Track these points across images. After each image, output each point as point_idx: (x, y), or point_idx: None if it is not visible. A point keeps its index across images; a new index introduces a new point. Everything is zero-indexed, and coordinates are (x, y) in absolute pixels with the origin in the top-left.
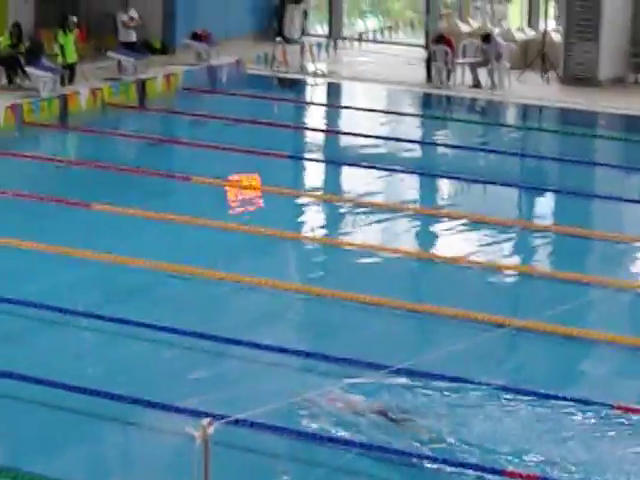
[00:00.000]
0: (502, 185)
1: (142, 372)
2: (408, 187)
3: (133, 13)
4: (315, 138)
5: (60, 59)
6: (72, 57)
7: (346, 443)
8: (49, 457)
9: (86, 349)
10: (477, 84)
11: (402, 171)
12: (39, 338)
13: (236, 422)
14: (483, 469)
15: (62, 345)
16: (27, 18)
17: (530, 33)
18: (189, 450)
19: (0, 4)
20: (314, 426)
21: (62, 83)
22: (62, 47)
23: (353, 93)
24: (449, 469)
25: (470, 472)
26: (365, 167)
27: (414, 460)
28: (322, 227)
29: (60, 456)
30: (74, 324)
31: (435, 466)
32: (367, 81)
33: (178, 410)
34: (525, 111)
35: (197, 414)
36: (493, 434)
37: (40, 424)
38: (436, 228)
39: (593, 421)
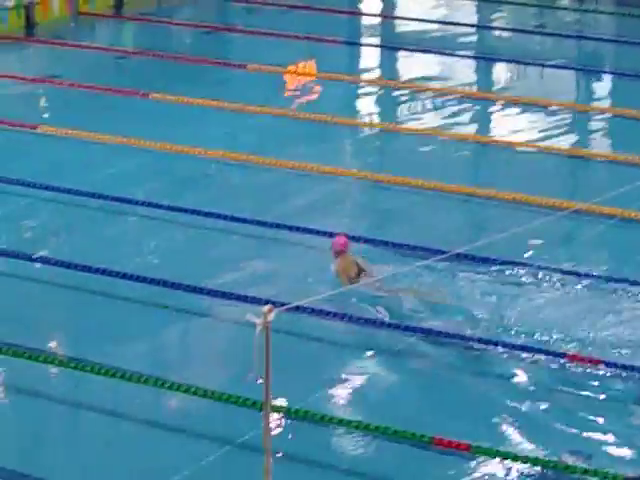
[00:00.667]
0: (559, 68)
1: (200, 260)
2: (464, 71)
3: None
4: (371, 23)
5: None
6: None
7: (406, 328)
8: (111, 347)
9: (145, 238)
10: None
11: (458, 55)
12: (99, 228)
13: (296, 309)
14: (539, 350)
15: (122, 235)
16: None
17: None
18: (250, 337)
19: None
20: (370, 312)
21: None
22: None
23: None
24: (503, 351)
25: (525, 354)
26: (421, 51)
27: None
28: (379, 113)
29: (122, 346)
30: (133, 213)
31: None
32: None
33: (237, 297)
34: None
35: (256, 301)
36: (548, 316)
37: (102, 314)
38: (493, 112)
39: None
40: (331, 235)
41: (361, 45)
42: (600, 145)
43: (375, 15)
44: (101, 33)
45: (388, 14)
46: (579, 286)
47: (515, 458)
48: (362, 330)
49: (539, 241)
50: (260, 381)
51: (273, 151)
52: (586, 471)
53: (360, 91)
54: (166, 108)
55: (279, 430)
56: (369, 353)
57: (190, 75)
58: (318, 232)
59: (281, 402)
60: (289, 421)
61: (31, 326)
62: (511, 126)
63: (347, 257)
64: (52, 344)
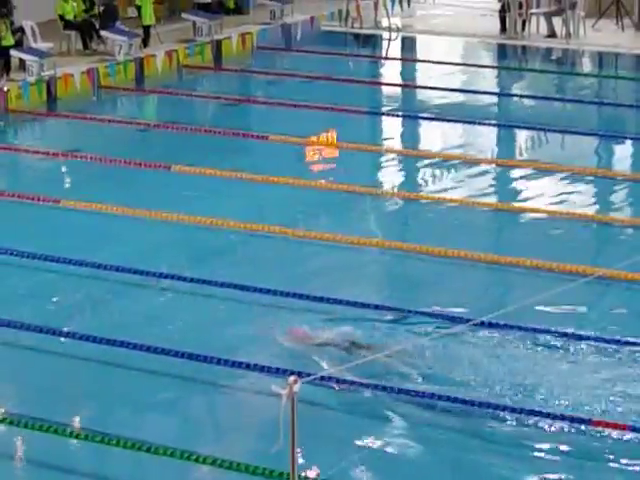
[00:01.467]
0: (579, 134)
1: (223, 332)
2: (485, 138)
3: None
4: (391, 92)
5: (137, 21)
6: (148, 19)
7: (431, 396)
8: (136, 420)
9: (169, 311)
10: (552, 33)
11: (479, 123)
12: (123, 301)
13: (322, 379)
14: (564, 417)
15: (146, 307)
16: None
17: None
18: (275, 408)
19: None
20: (396, 380)
21: (145, 44)
22: (139, 9)
23: (428, 46)
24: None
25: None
26: (441, 120)
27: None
28: (400, 182)
29: (147, 418)
30: (156, 286)
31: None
32: (441, 34)
33: (262, 369)
34: (600, 59)
35: (282, 372)
36: (573, 383)
37: (127, 387)
38: (514, 178)
39: None
40: (355, 304)
41: (382, 114)
42: (622, 210)
43: (396, 85)
44: (123, 106)
45: (409, 83)
46: (603, 352)
47: None
48: (386, 398)
49: (563, 307)
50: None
51: (296, 222)
52: None
53: (382, 160)
54: (188, 180)
55: None
56: (395, 421)
57: (212, 147)
58: (341, 302)
59: (308, 473)
60: None
61: (56, 399)
62: (533, 193)
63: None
64: (77, 417)
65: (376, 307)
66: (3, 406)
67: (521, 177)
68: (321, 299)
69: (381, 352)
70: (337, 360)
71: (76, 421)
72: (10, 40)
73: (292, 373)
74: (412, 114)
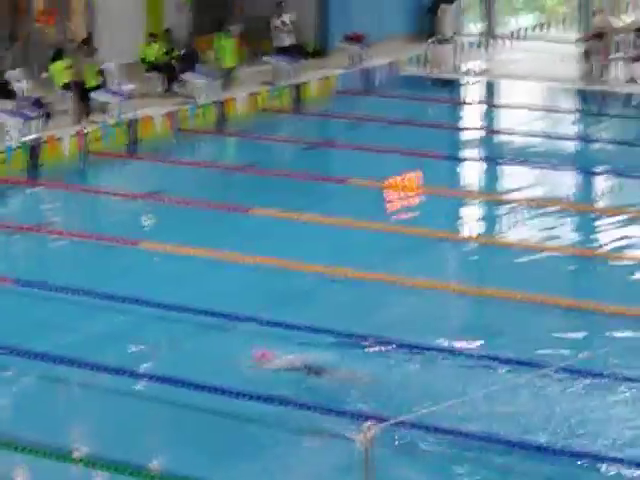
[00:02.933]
0: None
1: (301, 375)
2: (566, 184)
3: (286, 18)
4: (471, 137)
5: (217, 64)
6: (230, 62)
7: (488, 438)
8: (219, 466)
9: (247, 354)
10: (632, 79)
11: (560, 168)
12: (201, 343)
13: (397, 424)
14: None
15: (224, 350)
16: (182, 25)
17: None
18: (351, 453)
19: (156, 11)
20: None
21: (226, 87)
22: (219, 52)
23: (508, 91)
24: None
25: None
26: (522, 165)
27: None
28: (480, 226)
29: (229, 464)
30: (236, 329)
31: None
32: (521, 78)
33: (338, 413)
34: None
35: (358, 416)
36: None
37: (204, 429)
38: (595, 224)
39: None
40: (435, 349)
41: (461, 159)
42: None
43: (475, 129)
44: (203, 149)
45: (488, 127)
46: None
47: None
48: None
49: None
50: None
51: (374, 265)
52: None
53: (461, 205)
54: (267, 223)
55: None
56: (474, 468)
57: (291, 190)
58: (417, 347)
59: None
60: None
61: (134, 441)
62: (613, 238)
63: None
64: (156, 461)
65: (452, 351)
66: (83, 447)
67: (602, 222)
68: (401, 344)
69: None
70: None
71: (154, 464)
72: (94, 82)
73: (367, 418)
74: (491, 159)
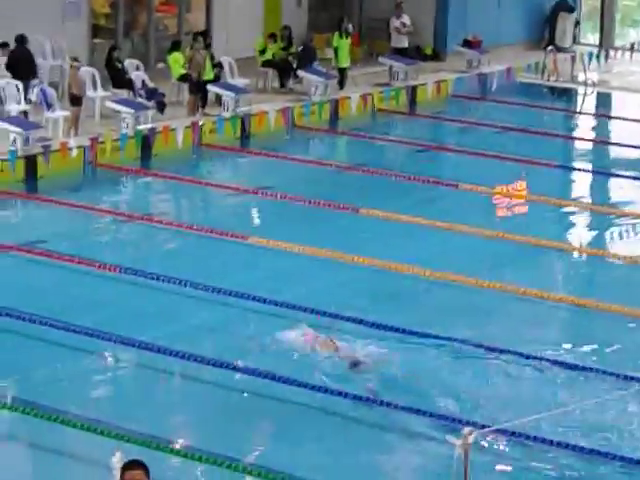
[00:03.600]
0: None
1: (401, 377)
2: None
3: (405, 19)
4: (584, 148)
5: (333, 63)
6: (345, 61)
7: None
8: (297, 456)
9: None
10: None
11: None
12: None
13: (497, 431)
14: None
15: None
16: (300, 23)
17: None
18: (448, 458)
19: (274, 9)
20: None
21: (341, 86)
22: (336, 51)
23: (623, 103)
24: None
25: None
26: (634, 178)
27: None
28: (588, 237)
29: (323, 459)
30: (340, 328)
31: None
32: (637, 91)
33: (439, 417)
34: None
35: (457, 421)
36: None
37: (300, 425)
38: None
39: None
40: (534, 358)
41: (573, 169)
42: None
43: (589, 140)
44: (315, 146)
45: (602, 139)
46: None
47: None
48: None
49: None
50: None
51: (480, 272)
52: None
53: (570, 215)
54: (375, 223)
55: None
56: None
57: (401, 192)
58: (521, 355)
59: None
60: None
61: (233, 435)
62: None
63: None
64: (253, 455)
65: (555, 362)
66: (180, 437)
67: None
68: (502, 351)
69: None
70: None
71: (248, 457)
72: (210, 74)
73: (468, 423)
74: (603, 170)
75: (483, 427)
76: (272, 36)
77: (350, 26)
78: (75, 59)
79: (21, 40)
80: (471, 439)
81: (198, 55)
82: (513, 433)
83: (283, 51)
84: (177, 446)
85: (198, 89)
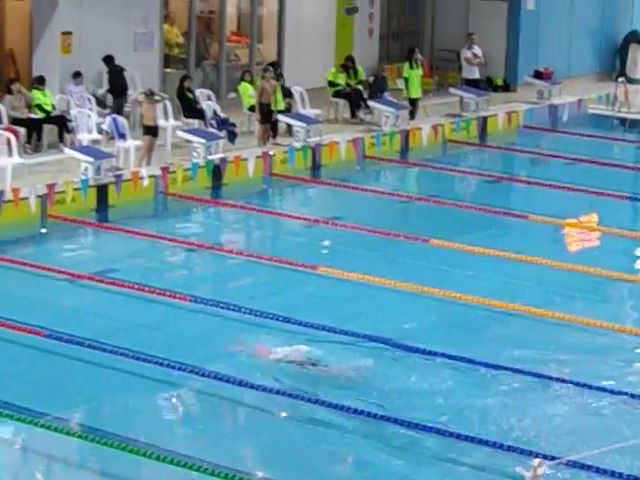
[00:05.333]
0: None
1: (474, 409)
2: None
3: (477, 50)
4: None
5: (404, 93)
6: (416, 92)
7: None
8: None
9: (425, 384)
10: None
11: None
12: (369, 371)
13: (567, 463)
14: None
15: (406, 381)
16: (371, 53)
17: None
18: None
19: (346, 40)
20: None
21: (412, 117)
22: (407, 81)
23: None
24: None
25: None
26: None
27: None
28: None
29: None
30: (412, 358)
31: None
32: None
33: (508, 448)
34: None
35: (524, 452)
36: None
37: (379, 458)
38: None
39: None
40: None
41: None
42: None
43: None
44: (385, 177)
45: None
46: None
47: None
48: None
49: None
50: None
51: (550, 303)
52: None
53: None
54: (445, 254)
55: None
56: None
57: (471, 223)
58: (590, 387)
59: None
60: None
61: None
62: None
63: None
64: None
65: (632, 395)
66: (255, 469)
67: None
68: (571, 382)
69: None
70: None
71: None
72: (281, 105)
73: (537, 455)
74: None
75: (553, 458)
76: (343, 66)
77: (420, 56)
78: (151, 92)
79: (109, 60)
80: (541, 471)
81: (268, 85)
82: (583, 465)
83: (354, 82)
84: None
85: (267, 119)
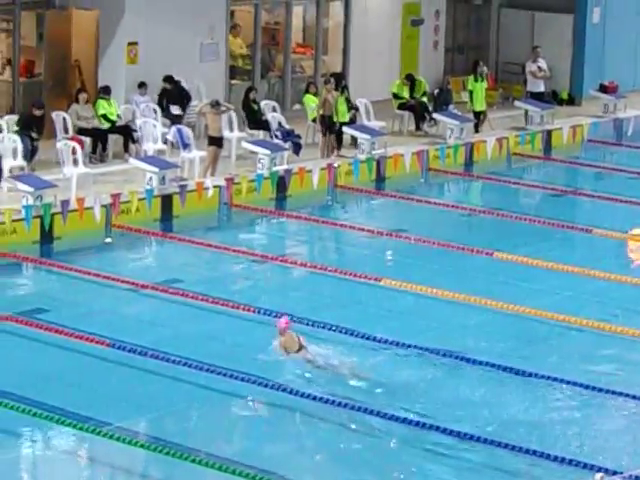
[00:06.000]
0: None
1: (532, 421)
2: None
3: (542, 63)
4: None
5: (468, 106)
6: (480, 105)
7: None
8: None
9: (477, 395)
10: None
11: None
12: (432, 384)
13: (629, 478)
14: None
15: (461, 392)
16: (436, 66)
17: None
18: None
19: (411, 52)
20: None
21: (476, 130)
22: (471, 94)
23: None
24: None
25: None
26: None
27: None
28: None
29: None
30: (470, 372)
31: None
32: None
33: (570, 462)
34: None
35: (586, 466)
36: None
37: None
38: None
39: None
40: None
41: None
42: None
43: None
44: (449, 189)
45: None
46: None
47: None
48: None
49: None
50: None
51: (614, 317)
52: None
53: None
54: (509, 267)
55: None
56: None
57: (535, 236)
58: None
59: None
60: None
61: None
62: None
63: (290, 335)
64: None
65: None
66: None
67: None
68: (636, 397)
69: None
70: None
71: None
72: (345, 117)
73: (599, 470)
74: None
75: (615, 473)
76: (408, 78)
77: (485, 69)
78: (217, 102)
79: (169, 80)
80: None
81: (329, 96)
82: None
83: (418, 94)
84: None
85: (330, 131)
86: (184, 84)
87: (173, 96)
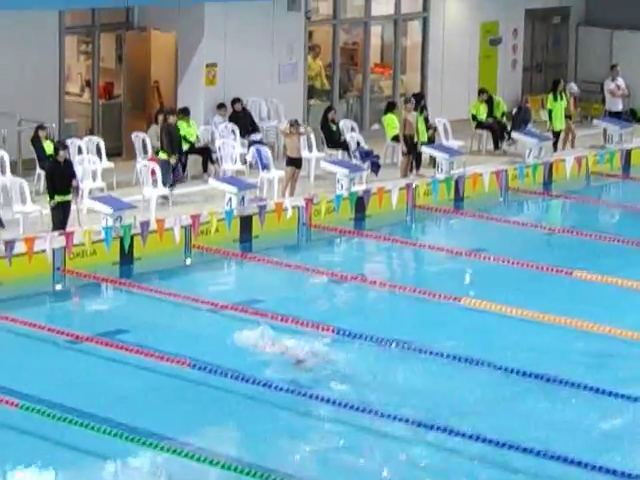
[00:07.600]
0: None
1: (587, 435)
2: None
3: (620, 82)
4: None
5: (548, 125)
6: (559, 124)
7: None
8: None
9: (560, 417)
10: None
11: None
12: (516, 405)
13: None
14: None
15: (541, 413)
16: (514, 85)
17: None
18: None
19: (489, 71)
20: None
21: (555, 148)
22: (550, 113)
23: None
24: None
25: None
26: None
27: None
28: None
29: None
30: (556, 392)
31: None
32: None
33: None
34: None
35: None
36: None
37: None
38: None
39: None
40: None
41: None
42: None
43: None
44: (528, 209)
45: None
46: None
47: None
48: None
49: None
50: None
51: None
52: None
53: None
54: (589, 286)
55: None
56: None
57: (615, 255)
58: None
59: None
60: None
61: None
62: None
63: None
64: None
65: None
66: None
67: None
68: None
69: None
70: None
71: None
72: (424, 136)
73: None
74: None
75: None
76: (483, 94)
77: (576, 88)
78: (296, 122)
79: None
80: None
81: (410, 116)
82: None
83: (498, 113)
84: None
85: (411, 151)
86: (262, 104)
87: (240, 119)
